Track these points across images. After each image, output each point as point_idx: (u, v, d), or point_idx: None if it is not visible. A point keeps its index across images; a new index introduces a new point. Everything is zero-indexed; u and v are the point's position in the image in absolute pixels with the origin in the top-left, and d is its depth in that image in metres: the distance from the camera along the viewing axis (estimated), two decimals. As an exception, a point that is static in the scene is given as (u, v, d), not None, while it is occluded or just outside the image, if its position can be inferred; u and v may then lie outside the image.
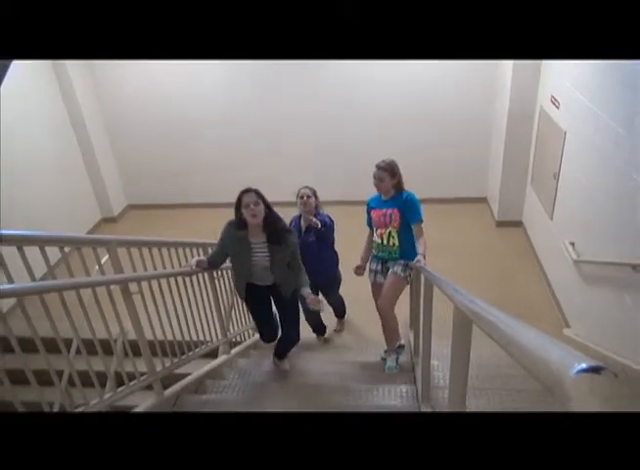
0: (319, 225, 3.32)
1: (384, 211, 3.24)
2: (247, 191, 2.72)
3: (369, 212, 3.37)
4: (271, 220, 2.79)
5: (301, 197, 3.44)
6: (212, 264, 3.05)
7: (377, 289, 3.45)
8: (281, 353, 3.36)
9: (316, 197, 3.54)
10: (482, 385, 3.00)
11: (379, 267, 3.40)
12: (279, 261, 2.86)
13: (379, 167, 3.19)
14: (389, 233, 3.24)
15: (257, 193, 2.73)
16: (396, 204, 3.21)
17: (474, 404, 2.58)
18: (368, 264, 3.49)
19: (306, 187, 3.51)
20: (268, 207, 2.77)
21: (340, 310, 4.34)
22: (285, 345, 3.30)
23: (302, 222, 3.50)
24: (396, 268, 3.26)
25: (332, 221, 3.61)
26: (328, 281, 3.81)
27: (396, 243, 3.24)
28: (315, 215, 3.48)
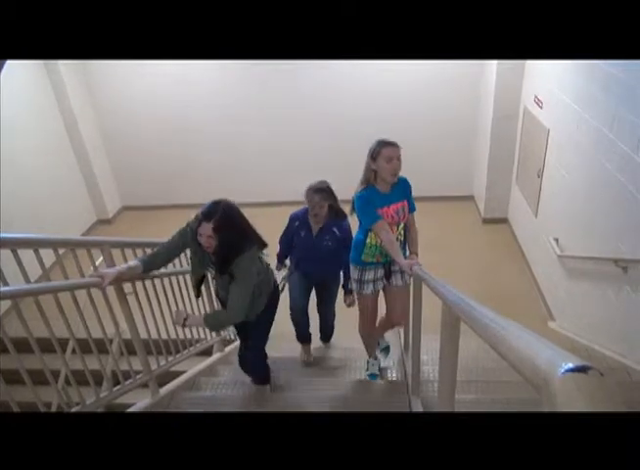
0: None
1: (396, 205, 2.61)
2: (201, 221, 2.17)
3: (376, 214, 2.54)
4: (226, 248, 2.22)
5: (310, 201, 2.89)
6: (152, 267, 2.41)
7: (373, 302, 2.87)
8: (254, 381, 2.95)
9: (334, 197, 2.94)
10: (470, 378, 3.07)
11: (379, 275, 2.77)
12: (224, 286, 2.39)
13: (393, 144, 2.48)
14: (399, 232, 2.68)
15: (219, 220, 2.15)
16: (402, 193, 2.63)
17: (462, 398, 2.64)
18: (359, 276, 2.78)
19: (316, 191, 2.85)
20: (232, 227, 2.22)
21: (327, 330, 3.75)
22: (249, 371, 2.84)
23: (311, 220, 3.02)
24: (407, 277, 2.75)
25: (349, 226, 3.09)
26: (328, 282, 3.31)
27: (402, 241, 2.71)
28: (330, 221, 3.02)
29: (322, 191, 2.87)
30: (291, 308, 3.33)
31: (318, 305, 3.51)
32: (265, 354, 2.84)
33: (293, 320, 3.41)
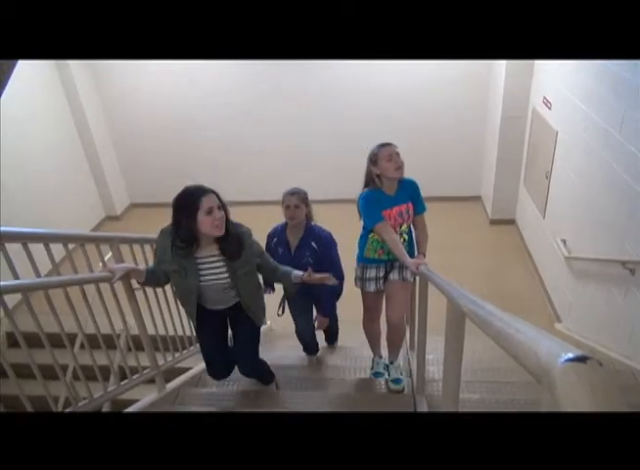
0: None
1: (400, 208, 2.63)
2: (205, 192, 2.03)
3: (379, 215, 2.57)
4: (229, 230, 2.11)
5: (287, 207, 2.72)
6: (151, 281, 2.32)
7: (377, 299, 2.89)
8: (261, 381, 2.90)
9: (307, 204, 2.78)
10: (475, 378, 3.07)
11: (381, 274, 2.78)
12: (245, 276, 2.22)
13: (388, 144, 2.56)
14: (401, 232, 2.69)
15: (216, 193, 2.08)
16: (407, 195, 2.65)
17: (467, 397, 2.64)
18: (361, 273, 2.82)
19: (293, 193, 2.74)
20: (226, 210, 2.11)
21: (331, 335, 3.63)
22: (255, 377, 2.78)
23: (289, 236, 2.82)
24: (406, 274, 2.73)
25: (331, 237, 2.87)
26: (322, 295, 2.95)
27: (406, 239, 2.71)
28: (308, 229, 2.80)
29: (298, 193, 2.75)
30: (297, 334, 3.27)
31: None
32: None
33: (299, 340, 3.37)
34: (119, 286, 2.35)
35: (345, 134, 6.64)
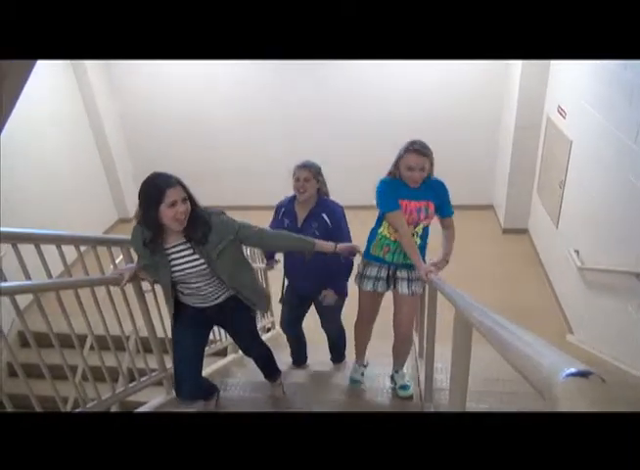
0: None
1: (419, 203, 2.44)
2: (171, 184, 1.94)
3: (396, 203, 2.42)
4: (195, 216, 2.04)
5: (297, 179, 2.61)
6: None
7: (373, 302, 2.76)
8: (267, 375, 2.85)
9: (319, 179, 2.66)
10: (483, 388, 3.03)
11: (383, 275, 2.61)
12: (219, 259, 2.11)
13: (418, 152, 2.39)
14: (416, 232, 2.49)
15: (182, 185, 1.99)
16: (431, 193, 2.47)
17: (474, 407, 2.61)
18: (362, 269, 2.68)
19: (304, 166, 2.61)
20: (192, 201, 2.03)
21: (336, 348, 3.36)
22: (261, 362, 2.77)
23: (297, 207, 2.70)
24: (415, 287, 2.59)
25: (343, 211, 2.73)
26: (333, 273, 2.75)
27: (418, 242, 2.50)
28: (320, 201, 2.69)
29: (310, 166, 2.62)
30: (281, 325, 3.23)
31: (321, 322, 3.17)
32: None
33: (285, 335, 3.30)
34: (129, 288, 2.37)
35: (357, 141, 6.64)
